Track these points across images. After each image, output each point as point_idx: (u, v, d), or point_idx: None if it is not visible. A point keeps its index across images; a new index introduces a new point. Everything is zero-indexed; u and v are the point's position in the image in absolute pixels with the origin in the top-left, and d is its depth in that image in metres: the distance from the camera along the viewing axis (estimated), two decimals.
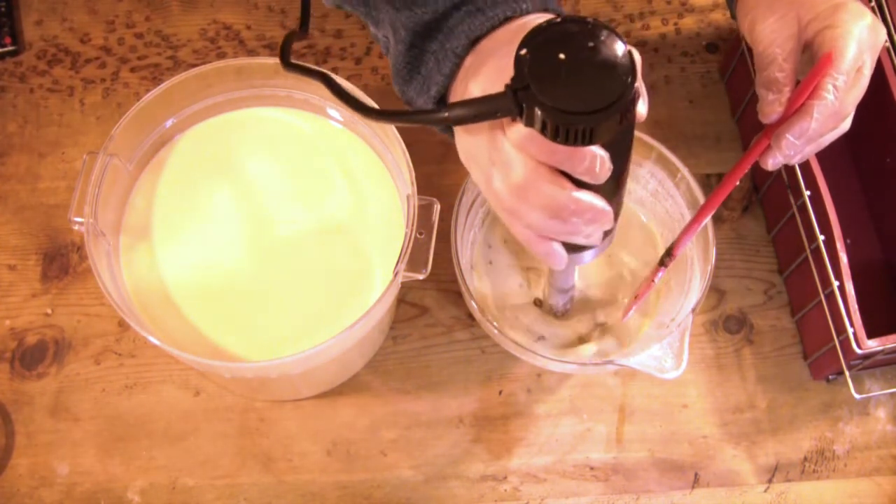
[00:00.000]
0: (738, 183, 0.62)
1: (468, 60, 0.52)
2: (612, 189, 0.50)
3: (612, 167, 0.47)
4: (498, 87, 0.47)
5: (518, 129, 0.47)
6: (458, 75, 0.53)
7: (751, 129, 0.84)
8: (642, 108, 0.47)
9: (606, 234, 0.54)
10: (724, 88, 0.89)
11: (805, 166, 0.74)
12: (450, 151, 0.85)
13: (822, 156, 0.74)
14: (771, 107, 0.58)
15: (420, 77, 0.55)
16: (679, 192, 0.73)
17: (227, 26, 0.90)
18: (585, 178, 0.47)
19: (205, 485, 0.75)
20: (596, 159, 0.46)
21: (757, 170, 0.85)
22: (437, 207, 0.65)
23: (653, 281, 0.70)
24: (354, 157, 0.73)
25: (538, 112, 0.45)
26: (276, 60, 0.70)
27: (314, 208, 0.72)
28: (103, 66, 0.88)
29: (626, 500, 0.75)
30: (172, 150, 0.73)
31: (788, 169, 0.77)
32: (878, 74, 0.77)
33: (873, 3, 0.79)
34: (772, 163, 0.60)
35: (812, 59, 0.58)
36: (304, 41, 0.90)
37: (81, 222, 0.64)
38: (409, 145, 0.66)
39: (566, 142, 0.45)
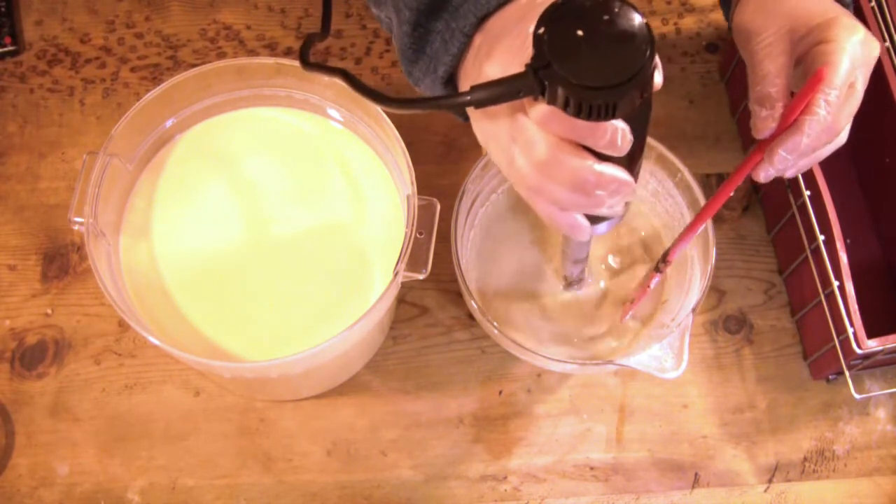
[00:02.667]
0: (731, 194, 0.62)
1: (477, 39, 0.52)
2: (633, 160, 0.50)
3: (632, 139, 0.48)
4: (515, 67, 0.47)
5: (540, 108, 0.47)
6: (468, 55, 0.53)
7: (750, 130, 0.84)
8: (659, 78, 0.47)
9: (626, 204, 0.54)
10: (724, 88, 0.89)
11: None
12: (450, 151, 0.85)
13: None
14: (764, 123, 0.59)
15: (426, 57, 0.55)
16: (679, 192, 0.73)
17: (227, 26, 0.90)
18: (608, 152, 0.48)
19: (205, 485, 0.75)
20: (618, 132, 0.47)
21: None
22: (437, 207, 0.65)
23: (648, 286, 0.70)
24: (354, 157, 0.73)
25: (560, 90, 0.45)
26: (276, 60, 0.70)
27: (314, 208, 0.72)
28: (103, 66, 0.88)
29: (626, 500, 0.75)
30: (172, 150, 0.73)
31: None
32: (878, 74, 0.77)
33: (873, 4, 0.79)
34: (764, 176, 0.60)
35: (805, 74, 0.58)
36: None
37: (81, 222, 0.64)
38: (409, 145, 0.66)
39: (589, 117, 0.46)
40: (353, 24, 0.91)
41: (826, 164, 0.73)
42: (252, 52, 0.89)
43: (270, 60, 0.70)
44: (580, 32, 0.45)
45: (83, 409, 0.76)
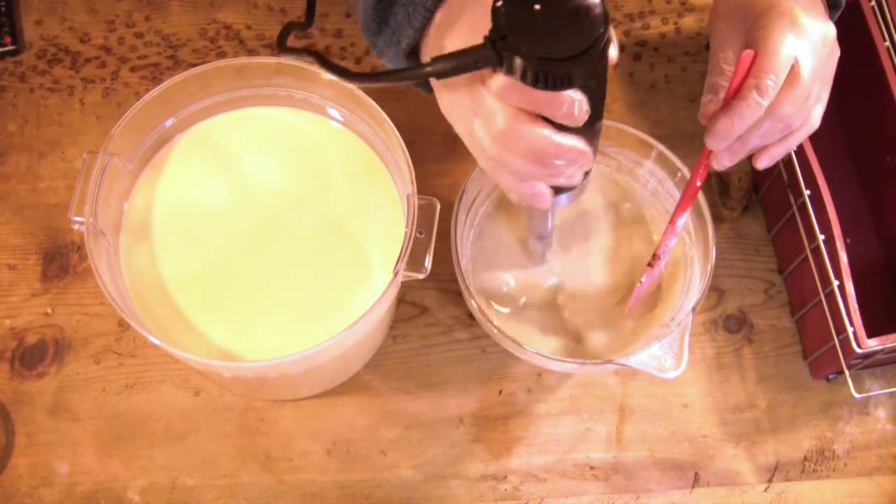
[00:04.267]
0: (699, 184, 0.64)
1: (438, 16, 0.54)
2: (590, 131, 0.52)
3: (589, 110, 0.49)
4: (474, 40, 0.48)
5: (498, 79, 0.49)
6: (430, 29, 0.55)
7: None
8: (613, 52, 0.48)
9: (585, 175, 0.56)
10: None
11: (805, 166, 0.74)
12: (450, 151, 0.85)
13: (822, 156, 0.74)
14: (706, 108, 0.61)
15: (389, 29, 0.57)
16: (679, 192, 0.73)
17: (227, 26, 0.90)
18: (565, 122, 0.49)
19: (205, 485, 0.75)
20: (574, 103, 0.48)
21: (756, 170, 0.85)
22: (437, 207, 0.65)
23: (640, 282, 0.70)
24: (354, 156, 0.73)
25: (517, 61, 0.47)
26: (276, 60, 0.70)
27: (314, 208, 0.72)
28: (103, 65, 0.88)
29: (626, 500, 0.75)
30: (172, 149, 0.73)
31: (788, 169, 0.77)
32: (878, 74, 0.77)
33: (873, 3, 0.79)
34: (717, 164, 0.61)
35: None
36: (305, 41, 0.90)
37: (81, 222, 0.64)
38: (409, 145, 0.66)
39: (546, 87, 0.47)
40: (352, 23, 0.91)
41: (826, 164, 0.73)
42: (252, 52, 0.89)
43: (270, 60, 0.70)
44: (537, 6, 0.47)
45: (83, 408, 0.76)
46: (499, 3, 0.47)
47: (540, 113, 0.49)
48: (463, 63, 0.49)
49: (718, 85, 0.61)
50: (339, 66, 0.54)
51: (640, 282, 0.71)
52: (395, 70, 0.54)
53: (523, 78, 0.47)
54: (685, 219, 0.68)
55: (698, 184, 0.65)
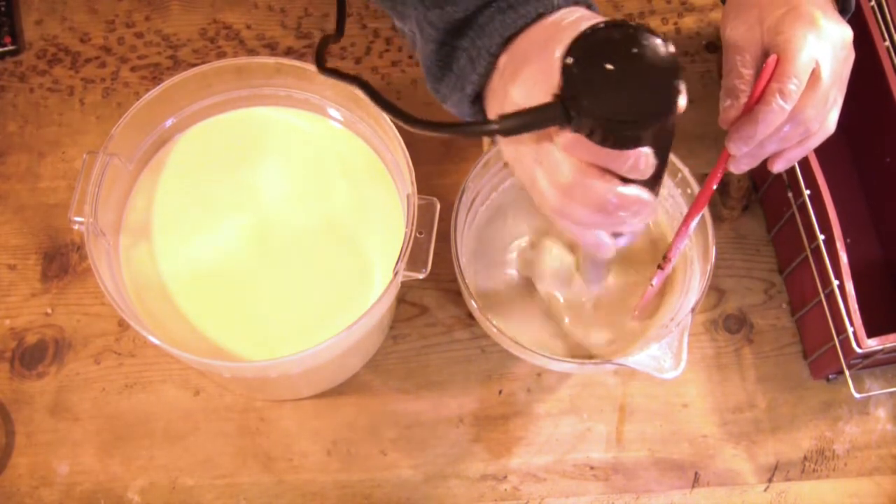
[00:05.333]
0: (714, 187, 0.63)
1: (502, 60, 0.53)
2: (654, 180, 0.51)
3: (656, 163, 0.48)
4: (540, 92, 0.48)
5: (566, 136, 0.48)
6: (494, 75, 0.53)
7: None
8: (682, 102, 0.47)
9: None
10: None
11: (805, 166, 0.74)
12: (450, 151, 0.85)
13: (823, 156, 0.74)
14: (727, 113, 0.60)
15: (453, 74, 0.56)
16: (679, 193, 0.73)
17: (227, 26, 0.90)
18: (631, 176, 0.49)
19: (205, 484, 0.75)
20: (641, 158, 0.47)
21: (757, 169, 0.85)
22: (437, 207, 0.65)
23: (651, 284, 0.70)
24: (354, 157, 0.73)
25: (587, 121, 0.45)
26: (276, 60, 0.70)
27: (314, 208, 0.72)
28: (103, 65, 0.88)
29: (626, 500, 0.75)
30: (172, 149, 0.73)
31: (788, 169, 0.77)
32: (878, 74, 0.77)
33: (873, 3, 0.79)
34: (735, 167, 0.61)
35: None
36: (305, 41, 0.90)
37: (81, 222, 0.64)
38: (409, 145, 0.66)
39: (614, 146, 0.46)
40: (353, 23, 0.91)
41: (826, 164, 0.73)
42: (252, 52, 0.89)
43: (270, 60, 0.70)
44: (609, 66, 0.45)
45: (83, 408, 0.76)
46: (569, 61, 0.46)
47: (606, 167, 0.48)
48: (531, 121, 0.48)
49: (738, 89, 0.60)
50: (399, 109, 0.53)
51: (652, 284, 0.70)
52: (462, 124, 0.52)
53: (591, 135, 0.46)
54: (697, 221, 0.67)
55: (714, 187, 0.64)
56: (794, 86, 0.56)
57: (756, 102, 0.57)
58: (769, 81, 0.57)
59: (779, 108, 0.56)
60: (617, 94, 0.45)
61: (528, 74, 0.50)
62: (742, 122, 0.58)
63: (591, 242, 0.54)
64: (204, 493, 0.74)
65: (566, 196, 0.50)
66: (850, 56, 0.60)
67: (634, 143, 0.46)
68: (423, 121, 0.52)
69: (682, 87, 0.46)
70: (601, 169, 0.49)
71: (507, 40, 0.52)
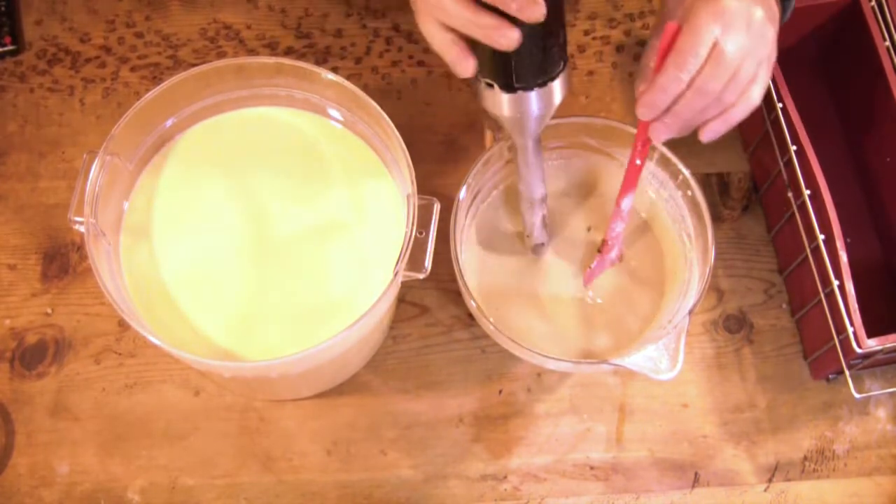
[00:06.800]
0: (639, 162, 0.67)
1: None
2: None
3: None
4: None
5: None
6: None
7: (750, 128, 0.84)
8: None
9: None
10: None
11: (805, 166, 0.74)
12: (450, 151, 0.85)
13: (822, 156, 0.74)
14: (638, 88, 0.65)
15: None
16: (681, 195, 0.73)
17: (227, 26, 0.90)
18: None
19: (205, 484, 0.75)
20: None
21: (757, 170, 0.85)
22: (437, 207, 0.65)
23: (590, 267, 0.74)
24: (354, 157, 0.73)
25: None
26: (276, 60, 0.70)
27: (314, 208, 0.72)
28: (103, 65, 0.88)
29: (626, 500, 0.75)
30: (172, 149, 0.73)
31: (788, 169, 0.77)
32: (878, 74, 0.77)
33: (873, 3, 0.79)
34: (654, 137, 0.64)
35: None
36: (305, 40, 0.90)
37: (81, 222, 0.64)
38: (409, 145, 0.66)
39: None
40: (353, 23, 0.91)
41: (826, 164, 0.74)
42: (252, 52, 0.89)
43: (270, 60, 0.70)
44: None
45: (83, 408, 0.76)
46: None
47: None
48: None
49: (649, 69, 0.64)
50: None
51: (590, 266, 0.74)
52: None
53: None
54: (630, 201, 0.69)
55: (638, 162, 0.67)
56: (691, 57, 0.59)
57: (657, 73, 0.61)
58: (668, 53, 0.60)
59: (675, 76, 0.59)
60: None
61: None
62: (646, 90, 0.61)
63: (451, 54, 0.60)
64: (204, 493, 0.74)
65: None
66: (765, 34, 0.61)
67: None
68: None
69: None
70: None
71: None
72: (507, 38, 0.58)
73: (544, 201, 0.72)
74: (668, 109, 0.62)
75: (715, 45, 0.59)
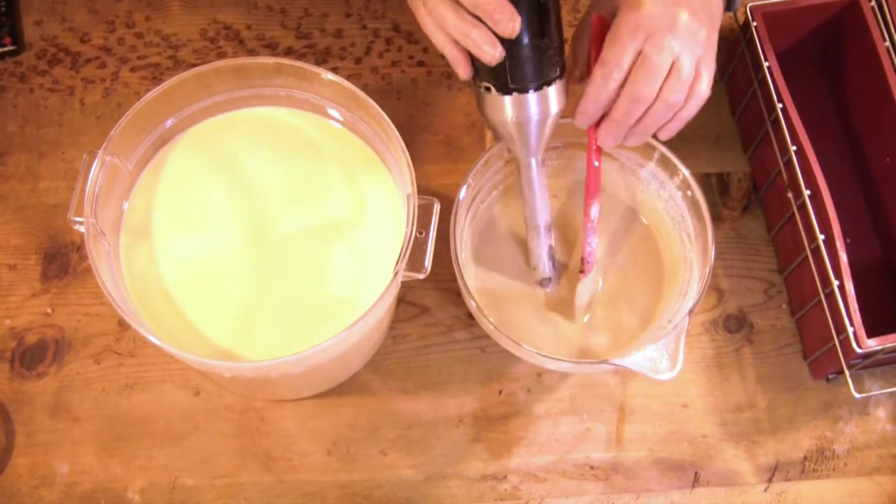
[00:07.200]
0: (596, 164, 0.68)
1: None
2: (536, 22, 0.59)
3: None
4: None
5: None
6: None
7: (750, 128, 0.84)
8: None
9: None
10: (723, 88, 0.89)
11: (805, 166, 0.74)
12: (450, 151, 0.85)
13: (822, 156, 0.74)
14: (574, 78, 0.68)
15: None
16: (680, 195, 0.73)
17: (227, 26, 0.90)
18: None
19: (205, 484, 0.75)
20: None
21: (757, 170, 0.85)
22: (437, 207, 0.65)
23: (577, 292, 0.74)
24: (354, 156, 0.73)
25: None
26: (276, 60, 0.70)
27: (314, 208, 0.72)
28: (103, 65, 0.88)
29: (626, 500, 0.75)
30: (172, 150, 0.73)
31: (788, 169, 0.77)
32: (878, 74, 0.77)
33: (873, 3, 0.79)
34: (602, 143, 0.65)
35: None
36: (305, 41, 0.90)
37: (81, 222, 0.64)
38: (409, 145, 0.66)
39: None
40: (353, 24, 0.91)
41: (826, 164, 0.74)
42: (252, 52, 0.89)
43: (270, 60, 0.70)
44: None
45: (83, 408, 0.76)
46: None
47: None
48: None
49: (576, 54, 0.68)
50: None
51: (576, 292, 0.74)
52: None
53: None
54: (598, 209, 0.70)
55: (596, 163, 0.68)
56: (614, 67, 0.60)
57: (586, 83, 0.63)
58: (595, 61, 0.62)
59: (602, 85, 0.61)
60: None
61: None
62: (580, 99, 0.63)
63: (450, 53, 0.61)
64: (204, 493, 0.75)
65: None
66: (699, 34, 0.61)
67: None
68: None
69: None
70: None
71: None
72: (489, 55, 0.60)
73: (550, 231, 0.72)
74: (605, 116, 0.63)
75: (640, 52, 0.60)
